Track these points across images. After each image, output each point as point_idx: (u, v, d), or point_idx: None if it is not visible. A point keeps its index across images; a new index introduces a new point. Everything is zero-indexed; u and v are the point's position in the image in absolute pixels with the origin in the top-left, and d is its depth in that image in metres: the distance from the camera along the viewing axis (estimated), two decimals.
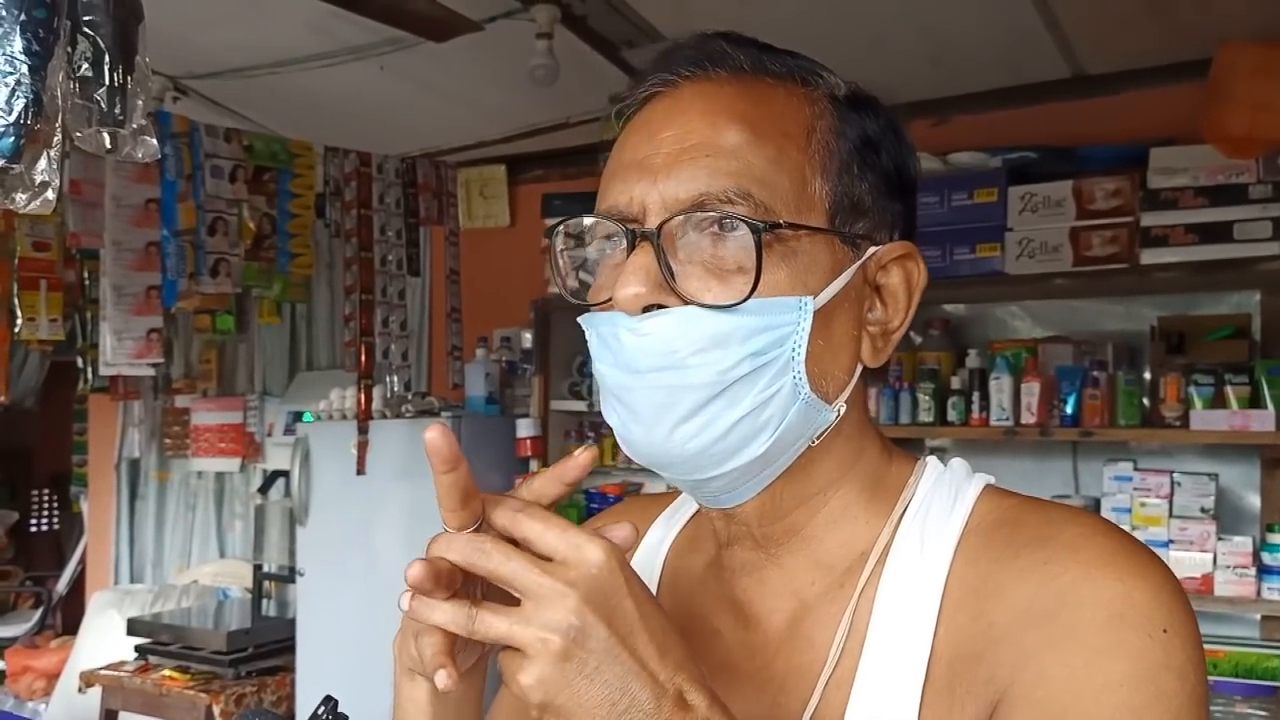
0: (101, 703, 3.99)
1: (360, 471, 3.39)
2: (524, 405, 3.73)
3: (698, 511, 0.82)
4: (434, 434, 0.59)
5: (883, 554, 0.69)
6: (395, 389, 3.72)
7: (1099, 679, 0.58)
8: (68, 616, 6.01)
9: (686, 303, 0.64)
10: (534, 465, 3.52)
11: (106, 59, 1.03)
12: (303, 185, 3.29)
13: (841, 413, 0.68)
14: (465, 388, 3.81)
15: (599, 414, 3.64)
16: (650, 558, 0.82)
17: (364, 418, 3.40)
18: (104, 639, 4.50)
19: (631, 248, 0.65)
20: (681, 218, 0.64)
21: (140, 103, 1.05)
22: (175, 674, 3.84)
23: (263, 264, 3.22)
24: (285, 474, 4.43)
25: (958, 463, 0.74)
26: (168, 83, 3.30)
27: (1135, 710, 0.57)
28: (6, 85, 0.96)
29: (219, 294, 3.13)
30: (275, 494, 4.53)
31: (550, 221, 3.49)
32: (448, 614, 0.57)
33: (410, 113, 3.51)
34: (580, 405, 3.58)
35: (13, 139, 0.96)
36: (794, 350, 0.64)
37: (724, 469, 0.66)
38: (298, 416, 4.56)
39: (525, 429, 3.56)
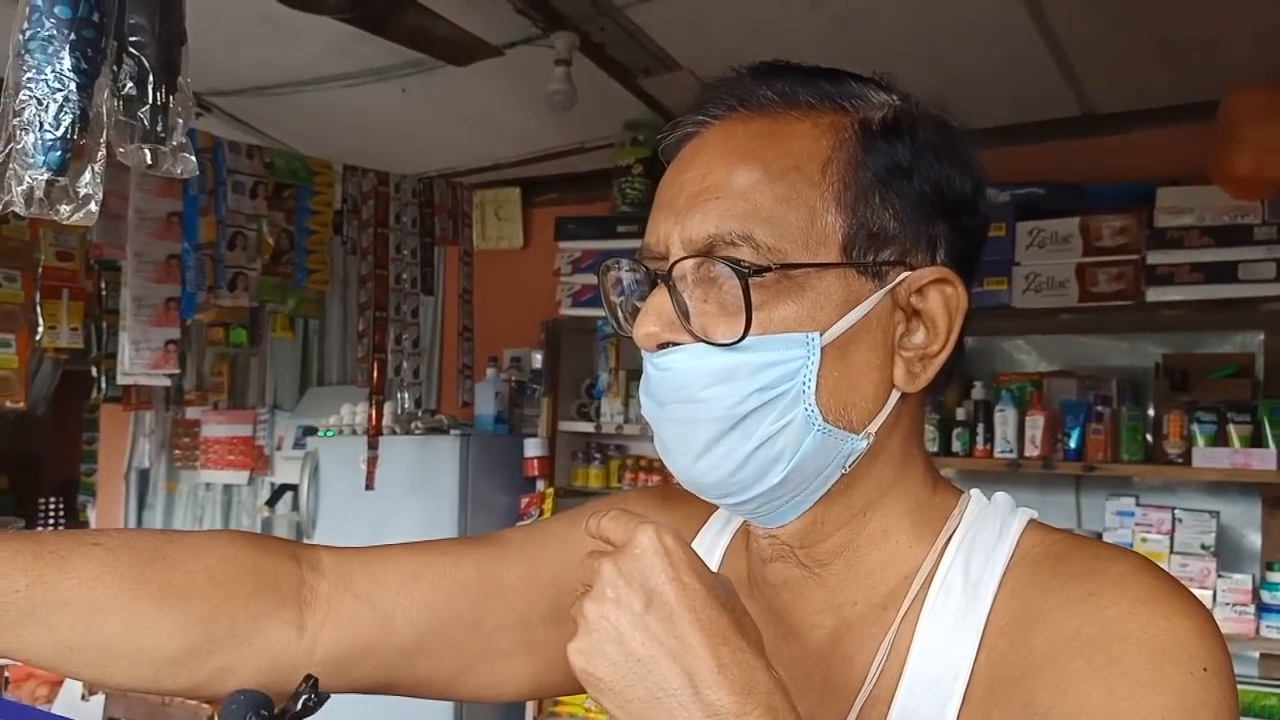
0: (104, 711, 4.01)
1: (369, 487, 3.42)
2: (532, 425, 3.76)
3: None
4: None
5: (927, 579, 0.70)
6: (406, 405, 3.76)
7: (1140, 710, 0.59)
8: None
9: (697, 340, 0.67)
10: (540, 485, 3.55)
11: (151, 79, 1.07)
12: (321, 203, 3.34)
13: (871, 440, 0.69)
14: (474, 406, 3.84)
15: (606, 435, 3.69)
16: (705, 557, 0.84)
17: (374, 433, 3.43)
18: None
19: (652, 287, 0.69)
20: (691, 261, 0.67)
21: (181, 121, 1.09)
22: None
23: (279, 279, 3.26)
24: (293, 487, 4.46)
25: (1002, 496, 0.75)
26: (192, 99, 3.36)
27: None
28: (55, 102, 1.00)
29: (236, 307, 3.18)
30: (283, 507, 4.56)
31: (563, 244, 3.53)
32: None
33: (429, 134, 3.56)
34: (588, 426, 3.61)
35: (59, 153, 1.00)
36: (804, 384, 0.66)
37: (748, 495, 0.69)
38: (308, 430, 4.60)
39: (533, 449, 3.59)
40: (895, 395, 0.70)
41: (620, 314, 0.76)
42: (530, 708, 3.44)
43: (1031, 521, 0.73)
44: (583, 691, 0.80)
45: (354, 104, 3.29)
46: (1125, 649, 0.61)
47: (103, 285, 4.03)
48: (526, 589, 0.84)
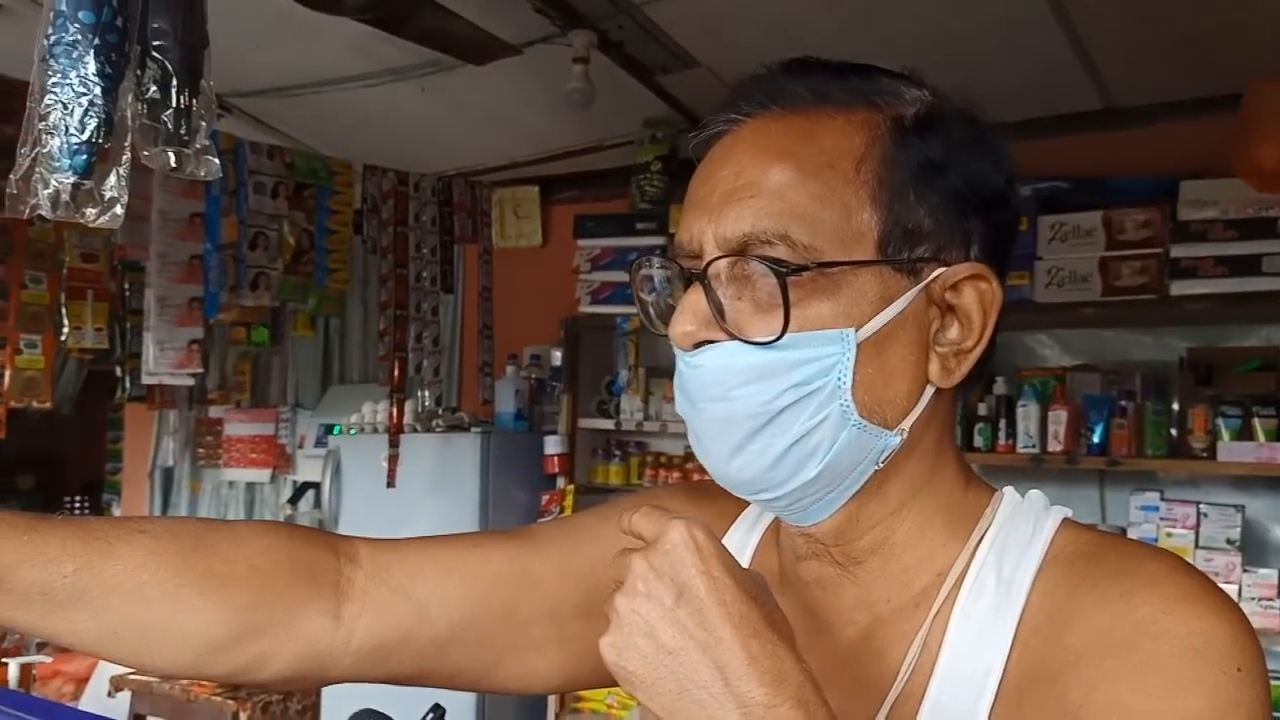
0: (130, 708, 4.04)
1: (390, 484, 3.44)
2: (552, 422, 3.77)
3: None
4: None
5: (959, 577, 0.71)
6: (426, 404, 3.78)
7: (1173, 710, 0.59)
8: None
9: (733, 338, 0.67)
10: (561, 482, 3.56)
11: (174, 82, 1.08)
12: (341, 202, 3.36)
13: (905, 435, 0.69)
14: (495, 404, 3.85)
15: (627, 432, 3.69)
16: (736, 554, 0.84)
17: (395, 431, 3.45)
18: None
19: (686, 286, 0.69)
20: (725, 259, 0.67)
21: (204, 124, 1.10)
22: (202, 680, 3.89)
23: (300, 278, 3.28)
24: (315, 485, 4.50)
25: (1035, 494, 0.75)
26: None
27: None
28: (80, 105, 1.01)
29: (258, 307, 3.20)
30: (305, 505, 4.59)
31: (582, 242, 3.54)
32: None
33: (447, 133, 3.57)
34: (608, 423, 3.61)
35: (85, 156, 1.01)
36: (839, 380, 0.66)
37: (782, 491, 0.69)
38: (329, 429, 4.63)
39: (553, 446, 3.60)
40: (929, 391, 0.70)
41: (651, 311, 0.76)
42: (552, 702, 3.45)
43: (1065, 520, 0.73)
44: (613, 684, 0.79)
45: (373, 104, 3.30)
46: (1158, 648, 0.61)
47: (126, 286, 4.06)
48: (558, 582, 0.85)
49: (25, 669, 2.63)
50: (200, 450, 5.47)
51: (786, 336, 0.65)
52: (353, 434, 4.03)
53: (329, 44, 2.91)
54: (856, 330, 0.66)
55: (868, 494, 0.71)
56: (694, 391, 0.69)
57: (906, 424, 0.69)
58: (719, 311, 0.67)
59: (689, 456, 3.55)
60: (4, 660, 2.39)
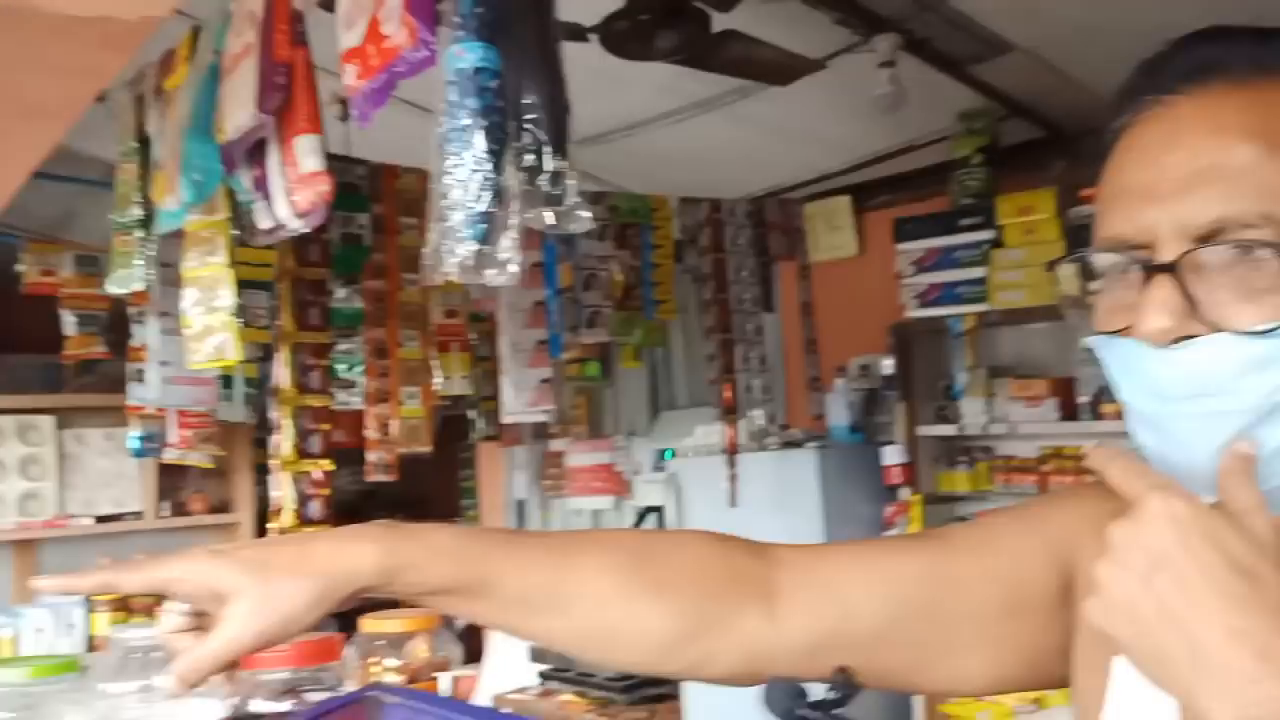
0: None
1: (733, 504, 3.52)
2: (887, 432, 3.71)
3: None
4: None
5: None
6: (759, 422, 3.84)
7: None
8: (468, 647, 6.65)
9: (1214, 330, 0.64)
10: (904, 493, 3.49)
11: (545, 148, 1.18)
12: (662, 236, 3.51)
13: None
14: (827, 417, 3.85)
15: (970, 437, 3.56)
16: None
17: (732, 451, 3.53)
18: (508, 665, 4.94)
19: (1147, 279, 0.66)
20: (1193, 250, 0.64)
21: (572, 183, 1.20)
22: (574, 698, 4.14)
23: (630, 312, 3.46)
24: (657, 509, 4.68)
25: None
26: None
27: None
28: (475, 181, 1.13)
29: (595, 343, 3.40)
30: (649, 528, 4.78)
31: (903, 246, 3.47)
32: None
33: (756, 155, 3.63)
34: (949, 429, 3.50)
35: (482, 225, 1.13)
36: None
37: (1268, 486, 0.65)
38: (662, 454, 4.81)
39: (892, 456, 3.54)
40: None
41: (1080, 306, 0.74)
42: (919, 706, 3.36)
43: None
44: (1047, 686, 0.83)
45: (682, 138, 3.41)
46: None
47: (474, 336, 4.44)
48: (980, 582, 0.84)
49: (455, 681, 2.95)
50: (547, 482, 5.85)
51: None
52: (668, 455, 4.17)
53: (638, 88, 3.05)
54: None
55: None
56: (1175, 389, 0.66)
57: None
58: (1192, 303, 0.65)
59: (1043, 459, 3.36)
60: (434, 675, 2.69)
